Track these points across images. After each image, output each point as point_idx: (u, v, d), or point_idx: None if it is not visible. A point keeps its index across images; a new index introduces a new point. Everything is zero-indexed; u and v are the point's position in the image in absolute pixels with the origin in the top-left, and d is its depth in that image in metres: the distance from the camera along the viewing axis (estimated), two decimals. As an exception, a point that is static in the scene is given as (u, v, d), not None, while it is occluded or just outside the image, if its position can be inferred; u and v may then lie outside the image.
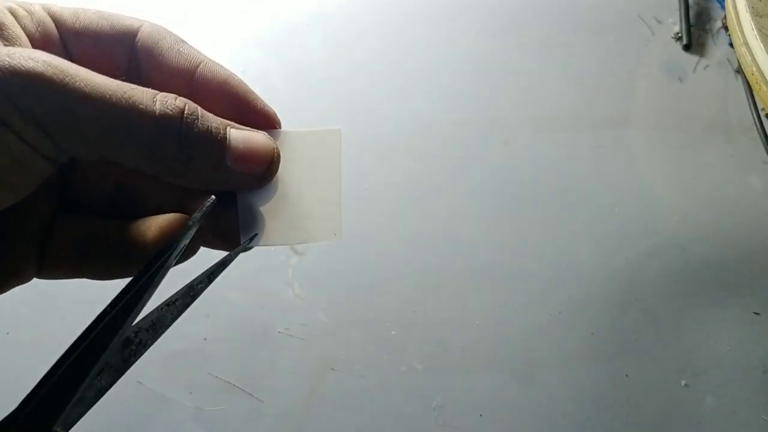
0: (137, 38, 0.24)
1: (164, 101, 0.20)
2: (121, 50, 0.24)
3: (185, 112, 0.21)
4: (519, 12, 0.53)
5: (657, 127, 0.48)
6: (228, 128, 0.22)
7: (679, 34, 0.52)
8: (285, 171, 0.24)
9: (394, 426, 0.37)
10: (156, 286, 0.21)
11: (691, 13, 0.53)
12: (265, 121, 0.25)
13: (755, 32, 0.45)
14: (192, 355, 0.37)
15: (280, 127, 0.25)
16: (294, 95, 0.47)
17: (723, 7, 0.53)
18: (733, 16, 0.47)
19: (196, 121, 0.21)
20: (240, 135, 0.22)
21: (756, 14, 0.45)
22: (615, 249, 0.43)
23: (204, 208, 0.22)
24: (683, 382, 0.39)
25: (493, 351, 0.39)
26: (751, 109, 0.48)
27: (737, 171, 0.47)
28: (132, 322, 0.20)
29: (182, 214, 0.23)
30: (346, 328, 0.39)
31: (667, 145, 0.47)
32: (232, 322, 0.38)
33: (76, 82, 0.19)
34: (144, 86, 0.22)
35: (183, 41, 0.25)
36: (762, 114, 0.48)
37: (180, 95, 0.23)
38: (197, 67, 0.24)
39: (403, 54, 0.50)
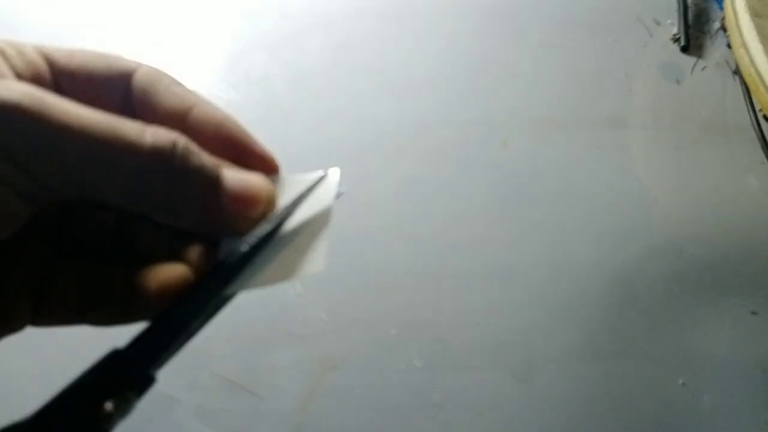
0: (133, 80, 0.23)
1: (156, 134, 0.19)
2: (116, 91, 0.23)
3: (178, 147, 0.19)
4: (518, 13, 0.53)
5: (655, 127, 0.48)
6: (222, 168, 0.21)
7: (678, 36, 0.52)
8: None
9: (394, 424, 0.37)
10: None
11: (690, 15, 0.53)
12: (263, 165, 0.24)
13: (754, 33, 0.45)
14: (194, 354, 0.37)
15: (278, 171, 0.24)
16: (295, 98, 0.47)
17: (721, 9, 0.53)
18: (731, 17, 0.48)
19: (190, 157, 0.20)
20: (236, 175, 0.21)
21: (755, 15, 0.45)
22: (613, 249, 0.43)
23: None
24: (681, 381, 0.39)
25: (492, 350, 0.39)
26: (748, 110, 0.49)
27: (735, 171, 0.47)
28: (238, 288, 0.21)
29: (183, 268, 0.22)
30: (346, 327, 0.39)
31: (664, 146, 0.48)
32: (234, 320, 0.39)
33: (56, 113, 0.17)
34: None
35: (179, 83, 0.24)
36: (759, 115, 0.48)
37: None
38: (192, 108, 0.23)
39: (403, 56, 0.50)
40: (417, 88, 0.49)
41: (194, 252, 0.22)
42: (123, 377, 0.20)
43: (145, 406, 0.37)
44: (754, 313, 0.42)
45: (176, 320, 0.21)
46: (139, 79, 0.23)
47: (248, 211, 0.21)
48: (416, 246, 0.42)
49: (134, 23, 0.50)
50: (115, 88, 0.23)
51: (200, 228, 0.22)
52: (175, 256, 0.22)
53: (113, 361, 0.20)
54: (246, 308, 0.39)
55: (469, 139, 0.47)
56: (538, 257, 0.42)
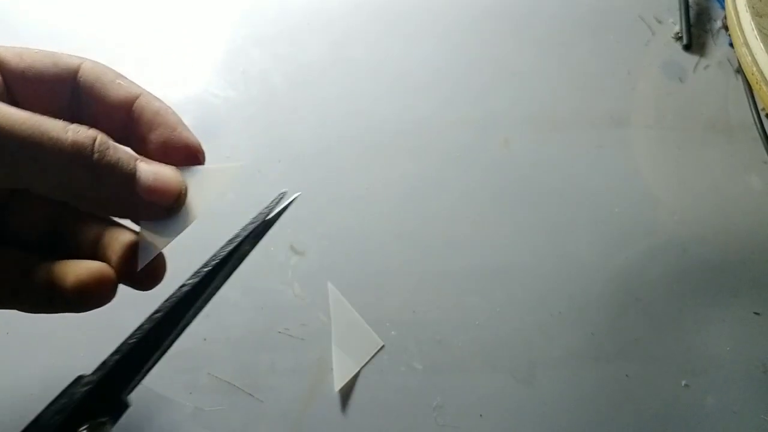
0: (79, 75, 0.25)
1: (77, 131, 0.22)
2: (64, 87, 0.25)
3: (97, 142, 0.22)
4: (519, 11, 0.53)
5: (657, 126, 0.48)
6: (137, 161, 0.23)
7: (680, 34, 0.52)
8: (193, 202, 0.25)
9: (394, 426, 0.37)
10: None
11: (691, 13, 0.53)
12: (188, 151, 0.26)
13: (755, 32, 0.45)
14: (192, 355, 0.37)
15: (203, 158, 0.27)
16: (293, 95, 0.47)
17: (723, 7, 0.53)
18: (733, 16, 0.47)
19: (108, 151, 0.22)
20: (149, 168, 0.24)
21: (756, 14, 0.45)
22: (615, 249, 0.43)
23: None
24: (683, 382, 0.39)
25: (493, 351, 0.39)
26: (751, 109, 0.48)
27: (737, 171, 0.47)
28: (196, 312, 0.24)
29: (100, 265, 0.24)
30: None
31: (666, 145, 0.47)
32: (232, 322, 0.38)
33: None
34: (86, 120, 0.23)
35: (122, 76, 0.26)
36: (762, 114, 0.48)
37: (119, 126, 0.25)
38: (136, 98, 0.25)
39: (403, 53, 0.50)
40: (417, 86, 0.48)
41: (114, 251, 0.24)
42: (96, 404, 0.21)
43: (143, 408, 0.37)
44: (756, 313, 0.41)
45: (144, 346, 0.22)
46: (84, 73, 0.25)
47: (160, 200, 0.24)
48: (416, 246, 0.42)
49: (133, 22, 0.49)
50: (63, 84, 0.25)
51: (119, 215, 0.24)
52: (100, 251, 0.24)
53: (84, 387, 0.21)
54: (244, 309, 0.39)
55: (470, 138, 0.46)
56: (539, 257, 0.42)
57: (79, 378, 0.21)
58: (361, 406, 0.37)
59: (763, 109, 0.48)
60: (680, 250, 0.43)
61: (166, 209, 0.24)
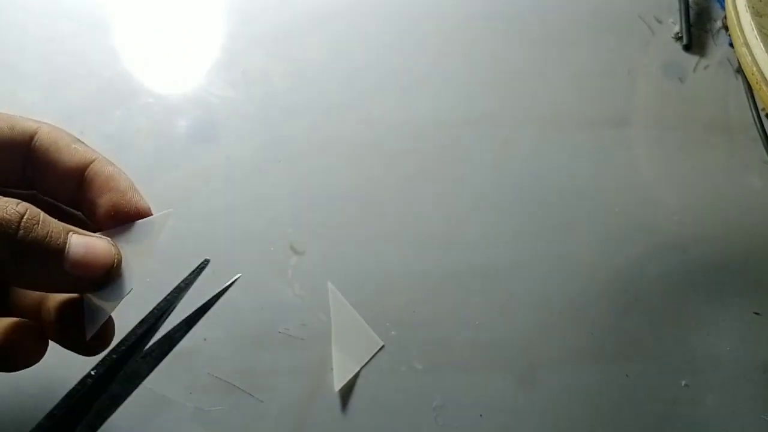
0: (35, 140, 0.25)
1: (4, 207, 0.21)
2: (18, 151, 0.25)
3: (24, 218, 0.21)
4: (519, 11, 0.53)
5: (657, 126, 0.48)
6: (70, 234, 0.23)
7: (680, 34, 0.52)
8: (133, 261, 0.25)
9: (394, 426, 0.37)
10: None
11: (691, 13, 0.53)
12: (138, 216, 0.26)
13: (755, 32, 0.45)
14: (192, 355, 0.37)
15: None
16: (294, 96, 0.47)
17: (723, 7, 0.53)
18: (733, 16, 0.47)
19: (36, 227, 0.22)
20: (81, 241, 0.23)
21: (756, 14, 0.45)
22: (615, 249, 0.43)
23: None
24: (683, 382, 0.39)
25: (493, 351, 0.39)
26: (751, 109, 0.48)
27: (737, 171, 0.47)
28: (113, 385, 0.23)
29: (17, 320, 0.24)
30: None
31: (666, 145, 0.47)
32: (232, 322, 0.38)
33: None
34: (39, 183, 0.24)
35: (79, 140, 0.26)
36: (762, 114, 0.48)
37: (71, 190, 0.25)
38: (90, 163, 0.25)
39: (404, 54, 0.50)
40: (417, 87, 0.48)
41: (48, 312, 0.24)
42: None
43: (143, 408, 0.37)
44: (757, 313, 0.41)
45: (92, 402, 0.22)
46: (41, 138, 0.25)
47: (90, 275, 0.23)
48: (416, 246, 0.42)
49: (133, 22, 0.49)
50: (18, 148, 0.25)
51: (51, 290, 0.24)
52: (41, 313, 0.25)
53: None
54: (244, 309, 0.39)
55: (470, 138, 0.46)
56: (540, 257, 0.42)
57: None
58: (361, 406, 0.37)
59: (763, 109, 0.48)
60: (680, 250, 0.43)
61: (96, 283, 0.24)
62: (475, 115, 0.47)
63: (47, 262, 0.22)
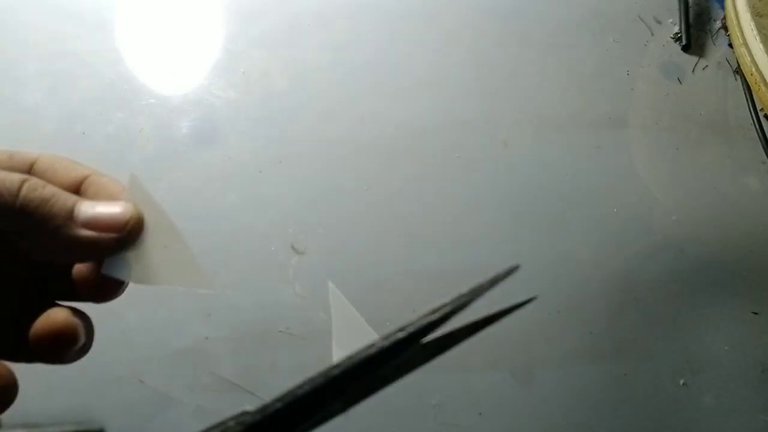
0: (34, 168, 0.24)
1: (4, 178, 0.21)
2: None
3: (25, 184, 0.21)
4: (519, 13, 0.53)
5: (655, 127, 0.48)
6: (78, 199, 0.22)
7: (679, 35, 0.52)
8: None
9: (394, 424, 0.37)
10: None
11: (691, 14, 0.53)
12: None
13: (755, 32, 0.45)
14: (193, 354, 0.37)
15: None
16: (294, 97, 0.47)
17: (723, 8, 0.53)
18: (732, 16, 0.47)
19: (40, 189, 0.21)
20: (91, 202, 0.22)
21: (756, 14, 0.45)
22: (613, 249, 0.43)
23: None
24: (682, 381, 0.39)
25: (492, 350, 0.39)
26: (749, 110, 0.49)
27: (735, 171, 0.47)
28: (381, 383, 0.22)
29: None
30: (346, 328, 0.39)
31: (665, 145, 0.48)
32: (234, 321, 0.39)
33: None
34: None
35: (78, 163, 0.25)
36: (761, 114, 0.48)
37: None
38: (86, 178, 0.24)
39: (404, 55, 0.50)
40: (417, 88, 0.49)
41: (59, 313, 0.23)
42: None
43: (145, 406, 0.37)
44: (755, 313, 0.41)
45: (311, 401, 0.21)
46: (40, 162, 0.24)
47: (105, 235, 0.22)
48: (416, 246, 0.42)
49: (134, 23, 0.50)
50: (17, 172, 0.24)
51: (71, 258, 0.23)
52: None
53: (239, 427, 0.19)
54: (246, 309, 0.39)
55: (469, 139, 0.47)
56: (538, 257, 0.42)
57: (243, 413, 0.20)
58: (361, 405, 0.37)
59: (762, 110, 0.48)
60: (678, 249, 0.43)
61: (108, 247, 0.22)
62: (475, 116, 0.48)
63: (56, 219, 0.21)
